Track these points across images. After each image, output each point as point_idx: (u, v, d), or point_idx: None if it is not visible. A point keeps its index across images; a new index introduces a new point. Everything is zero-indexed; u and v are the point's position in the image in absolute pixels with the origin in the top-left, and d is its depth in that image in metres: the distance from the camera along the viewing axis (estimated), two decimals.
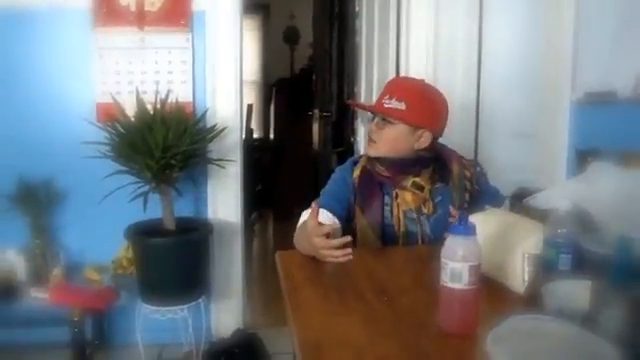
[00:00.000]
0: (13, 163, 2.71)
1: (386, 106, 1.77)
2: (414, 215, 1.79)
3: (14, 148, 2.75)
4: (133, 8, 2.79)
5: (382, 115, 1.80)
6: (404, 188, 1.79)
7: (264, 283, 4.01)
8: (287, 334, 1.23)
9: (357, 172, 1.86)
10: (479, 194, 1.81)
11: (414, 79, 2.03)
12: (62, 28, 2.78)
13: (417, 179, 1.79)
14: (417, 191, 1.79)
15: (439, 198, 1.80)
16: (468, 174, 1.82)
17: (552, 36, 2.21)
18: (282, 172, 5.53)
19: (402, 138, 1.78)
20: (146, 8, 2.80)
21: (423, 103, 1.79)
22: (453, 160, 1.85)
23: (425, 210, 1.79)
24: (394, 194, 1.80)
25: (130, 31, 2.80)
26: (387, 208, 1.80)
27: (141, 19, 2.80)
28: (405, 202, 1.80)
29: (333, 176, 1.92)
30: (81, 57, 2.80)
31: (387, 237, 1.79)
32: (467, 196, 1.79)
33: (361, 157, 1.92)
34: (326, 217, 1.71)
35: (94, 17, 2.77)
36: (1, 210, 2.66)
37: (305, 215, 1.76)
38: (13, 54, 2.76)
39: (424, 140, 1.79)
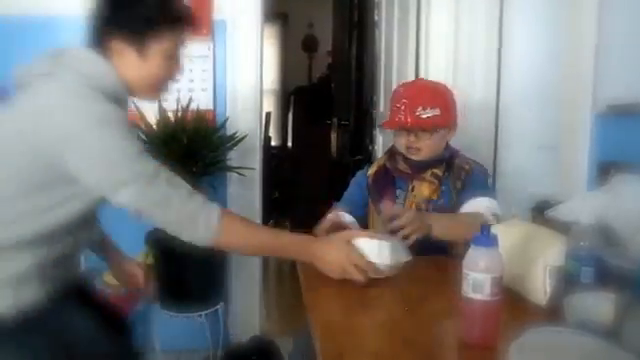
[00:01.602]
0: None
1: (424, 117, 1.80)
2: (422, 206, 1.84)
3: None
4: None
5: (427, 128, 1.83)
6: (422, 179, 1.86)
7: (280, 290, 4.02)
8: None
9: (372, 170, 1.98)
10: (469, 186, 1.84)
11: (425, 81, 2.16)
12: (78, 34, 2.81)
13: (435, 170, 1.86)
14: (435, 180, 1.85)
15: (444, 187, 1.86)
16: (467, 167, 1.88)
17: (574, 46, 2.19)
18: (299, 180, 5.54)
19: (443, 140, 1.89)
20: None
21: (449, 101, 1.88)
22: (459, 155, 1.94)
23: (434, 197, 1.85)
24: (410, 187, 1.87)
25: None
26: (398, 201, 1.87)
27: None
28: (421, 193, 1.86)
29: (353, 179, 2.04)
30: None
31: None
32: (459, 184, 1.84)
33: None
34: (347, 218, 1.85)
35: None
36: None
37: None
38: (24, 60, 2.80)
39: (452, 134, 1.91)
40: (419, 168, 1.87)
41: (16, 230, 1.34)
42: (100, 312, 1.61)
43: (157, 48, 1.41)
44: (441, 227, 1.65)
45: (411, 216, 1.61)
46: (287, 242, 1.50)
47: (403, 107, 1.81)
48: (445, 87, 1.92)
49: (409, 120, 1.80)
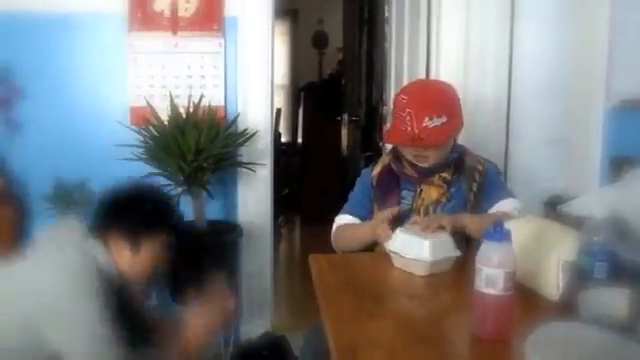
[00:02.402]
0: (50, 165, 2.77)
1: (432, 126, 1.72)
2: (431, 209, 1.82)
3: (51, 150, 2.81)
4: (167, 13, 2.84)
5: (438, 143, 1.77)
6: (431, 183, 1.83)
7: (291, 286, 4.03)
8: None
9: (377, 170, 1.93)
10: (487, 187, 1.82)
11: (428, 85, 2.04)
12: (98, 33, 2.84)
13: (444, 174, 1.83)
14: (444, 185, 1.82)
15: (453, 189, 1.83)
16: (480, 167, 1.84)
17: (587, 41, 2.18)
18: (309, 176, 5.54)
19: (449, 145, 1.84)
20: (180, 13, 2.85)
21: (455, 105, 1.82)
22: (467, 153, 1.90)
23: (442, 200, 1.82)
24: (418, 190, 1.84)
25: (164, 36, 2.84)
26: (405, 202, 1.84)
27: (175, 24, 2.85)
28: (429, 197, 1.83)
29: (358, 180, 2.00)
30: (116, 61, 2.86)
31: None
32: (475, 186, 1.81)
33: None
34: (349, 219, 1.89)
35: (129, 22, 2.82)
36: (38, 210, 2.74)
37: (340, 219, 1.92)
38: (50, 58, 2.83)
39: (459, 132, 1.87)
40: (427, 173, 1.83)
41: None
42: None
43: (149, 247, 1.59)
44: (476, 226, 1.62)
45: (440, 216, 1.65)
46: None
47: (409, 118, 1.74)
48: (449, 87, 1.86)
49: (416, 132, 1.72)
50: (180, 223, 1.72)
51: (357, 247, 1.81)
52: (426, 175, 1.83)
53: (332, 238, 1.93)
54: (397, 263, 1.55)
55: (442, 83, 1.88)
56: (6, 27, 2.77)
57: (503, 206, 1.77)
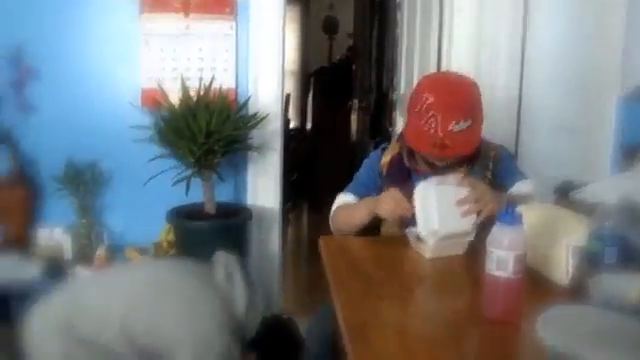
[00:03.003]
0: (62, 145, 2.79)
1: (457, 131, 1.63)
2: None
3: (63, 131, 2.83)
4: None
5: (464, 152, 1.69)
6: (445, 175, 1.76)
7: (298, 271, 4.05)
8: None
9: (387, 158, 1.85)
10: (501, 172, 1.79)
11: (455, 83, 1.75)
12: (110, 14, 2.85)
13: (460, 168, 1.76)
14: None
15: None
16: (492, 153, 1.81)
17: (601, 28, 2.16)
18: (318, 162, 5.55)
19: None
20: None
21: (479, 106, 1.72)
22: (480, 141, 1.81)
23: None
24: None
25: (175, 18, 2.84)
26: None
27: (186, 6, 2.85)
28: None
29: (366, 161, 1.94)
30: (128, 43, 2.86)
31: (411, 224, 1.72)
32: (489, 174, 1.78)
33: (390, 144, 1.90)
34: (351, 199, 1.83)
35: (141, 4, 2.82)
36: (50, 190, 2.77)
37: (342, 198, 1.86)
38: (62, 40, 2.84)
39: None
40: (442, 169, 1.75)
41: None
42: None
43: None
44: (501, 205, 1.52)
45: (484, 188, 1.54)
46: None
47: (433, 120, 1.64)
48: (474, 86, 1.74)
49: (440, 135, 1.62)
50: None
51: (353, 227, 1.76)
52: (441, 171, 1.74)
53: (331, 219, 1.88)
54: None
55: (467, 80, 1.74)
56: (19, 8, 2.77)
57: (520, 187, 1.74)
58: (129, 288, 1.69)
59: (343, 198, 1.87)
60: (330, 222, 1.88)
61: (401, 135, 1.87)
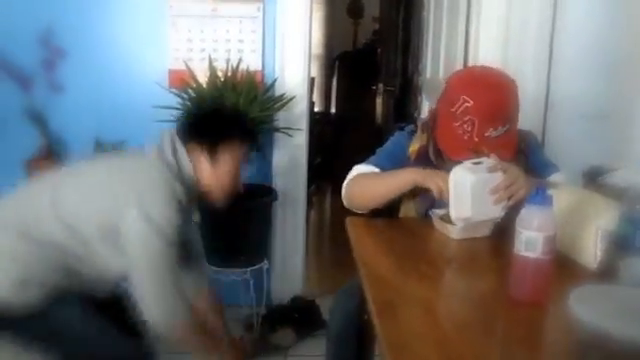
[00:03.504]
0: (90, 125, 2.83)
1: (493, 136, 1.57)
2: None
3: (91, 111, 2.86)
4: None
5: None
6: None
7: (320, 254, 4.07)
8: None
9: (414, 148, 1.76)
10: (531, 160, 1.72)
11: (493, 81, 1.64)
12: None
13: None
14: None
15: None
16: (522, 145, 1.71)
17: (631, 14, 2.13)
18: (342, 146, 5.55)
19: None
20: None
21: (517, 109, 1.65)
22: None
23: None
24: None
25: (203, 0, 2.85)
26: None
27: None
28: None
29: (392, 139, 1.85)
30: (155, 24, 2.88)
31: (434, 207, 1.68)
32: (520, 165, 1.67)
33: (416, 129, 1.79)
34: (373, 170, 1.73)
35: None
36: None
37: (362, 168, 1.76)
38: (90, 21, 2.86)
39: None
40: None
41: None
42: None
43: (225, 159, 1.73)
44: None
45: (517, 173, 1.48)
46: None
47: (469, 125, 1.58)
48: (514, 87, 1.64)
49: (476, 140, 1.57)
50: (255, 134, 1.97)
51: (382, 196, 1.65)
52: None
53: (346, 187, 1.75)
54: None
55: (506, 81, 1.63)
56: None
57: (555, 179, 1.68)
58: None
59: (363, 168, 1.76)
60: (344, 192, 1.77)
61: (427, 125, 1.77)
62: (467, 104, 1.56)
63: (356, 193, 1.73)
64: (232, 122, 1.83)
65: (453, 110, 1.59)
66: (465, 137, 1.57)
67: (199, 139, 1.72)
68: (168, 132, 1.77)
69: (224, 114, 1.94)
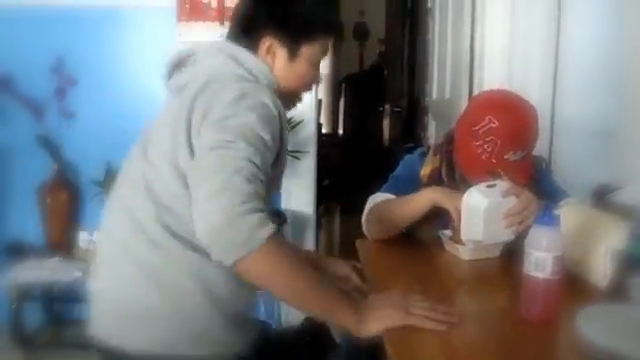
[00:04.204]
0: (102, 151, 2.87)
1: (511, 160, 1.57)
2: None
3: (103, 137, 2.91)
4: (214, 4, 2.91)
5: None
6: None
7: None
8: None
9: (427, 170, 1.75)
10: (540, 184, 1.69)
11: (519, 107, 1.63)
12: (148, 23, 2.93)
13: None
14: None
15: None
16: (532, 171, 1.69)
17: (636, 31, 2.15)
18: (350, 167, 5.57)
19: None
20: (226, 4, 2.91)
21: (537, 134, 1.64)
22: None
23: None
24: None
25: (211, 26, 2.91)
26: None
27: (221, 14, 2.91)
28: None
29: (403, 162, 1.86)
30: (164, 51, 2.90)
31: (443, 227, 1.68)
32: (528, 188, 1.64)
33: (429, 150, 1.80)
34: (390, 197, 1.71)
35: (177, 13, 2.89)
36: (91, 195, 2.85)
37: (379, 196, 1.74)
38: (101, 50, 2.92)
39: None
40: None
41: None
42: None
43: (307, 52, 1.38)
44: None
45: (530, 198, 1.47)
46: (336, 292, 1.24)
47: (490, 146, 1.57)
48: (536, 114, 1.64)
49: (494, 161, 1.56)
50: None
51: (405, 219, 1.62)
52: None
53: (366, 218, 1.72)
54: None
55: (530, 107, 1.63)
56: (61, 20, 2.87)
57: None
58: None
59: (379, 197, 1.74)
60: (365, 224, 1.73)
61: (440, 148, 1.77)
62: (492, 124, 1.56)
63: (376, 222, 1.70)
64: (318, 8, 1.42)
65: (476, 129, 1.59)
66: (483, 157, 1.57)
67: (275, 32, 1.35)
68: (203, 52, 1.43)
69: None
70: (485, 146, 1.57)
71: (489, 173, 1.54)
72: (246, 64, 1.33)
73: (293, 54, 1.37)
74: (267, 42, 1.35)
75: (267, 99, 1.25)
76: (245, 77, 1.32)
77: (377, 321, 1.14)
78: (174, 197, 1.25)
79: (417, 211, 1.60)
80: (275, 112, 1.24)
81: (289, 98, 1.44)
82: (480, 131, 1.57)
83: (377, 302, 1.20)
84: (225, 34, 1.46)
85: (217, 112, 1.22)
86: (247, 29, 1.38)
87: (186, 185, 1.22)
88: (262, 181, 1.18)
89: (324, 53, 1.43)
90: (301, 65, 1.38)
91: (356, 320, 1.16)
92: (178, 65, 1.48)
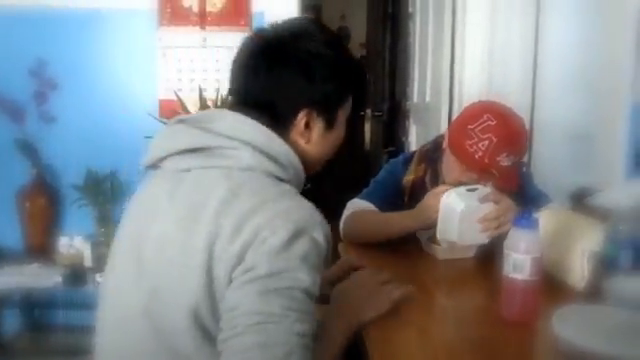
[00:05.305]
0: (82, 155, 2.85)
1: (503, 165, 1.56)
2: None
3: (83, 141, 2.88)
4: (195, 9, 2.90)
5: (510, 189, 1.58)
6: None
7: None
8: None
9: (410, 177, 1.76)
10: (523, 196, 1.68)
11: (512, 114, 1.64)
12: (128, 28, 2.91)
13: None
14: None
15: None
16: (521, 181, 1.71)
17: (613, 34, 2.19)
18: (331, 172, 5.56)
19: None
20: (208, 9, 2.91)
21: (527, 146, 1.72)
22: None
23: None
24: None
25: (192, 30, 2.90)
26: None
27: (203, 19, 2.91)
28: None
29: (386, 168, 1.87)
30: (145, 55, 2.92)
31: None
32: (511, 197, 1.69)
33: (413, 156, 1.81)
34: (369, 207, 1.74)
35: (158, 17, 2.88)
36: (71, 200, 2.83)
37: (358, 203, 1.76)
38: (81, 53, 2.90)
39: None
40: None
41: None
42: None
43: (342, 114, 1.17)
44: None
45: (508, 205, 1.49)
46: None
47: (486, 143, 1.55)
48: (525, 126, 1.67)
49: (486, 162, 1.55)
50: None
51: (382, 238, 1.64)
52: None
53: (345, 223, 1.74)
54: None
55: (522, 120, 1.66)
56: (41, 23, 2.84)
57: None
58: None
59: (359, 204, 1.76)
60: (342, 229, 1.75)
61: (426, 154, 1.78)
62: (490, 122, 1.56)
63: (355, 232, 1.72)
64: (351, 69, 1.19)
65: (472, 127, 1.58)
66: (476, 156, 1.55)
67: (312, 104, 1.10)
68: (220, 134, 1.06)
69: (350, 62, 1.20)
70: (480, 144, 1.55)
71: (483, 172, 1.55)
72: (280, 158, 1.06)
73: (331, 123, 1.14)
74: (304, 118, 1.10)
75: (318, 230, 1.01)
76: (280, 177, 1.07)
77: (365, 314, 1.15)
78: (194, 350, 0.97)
79: (395, 234, 1.63)
80: (325, 245, 1.02)
81: (318, 165, 1.24)
82: (477, 129, 1.56)
83: (352, 293, 1.20)
84: (230, 101, 1.21)
85: (261, 267, 0.93)
86: (273, 105, 1.09)
87: (209, 337, 0.95)
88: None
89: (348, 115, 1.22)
90: (337, 131, 1.18)
91: (347, 329, 1.11)
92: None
